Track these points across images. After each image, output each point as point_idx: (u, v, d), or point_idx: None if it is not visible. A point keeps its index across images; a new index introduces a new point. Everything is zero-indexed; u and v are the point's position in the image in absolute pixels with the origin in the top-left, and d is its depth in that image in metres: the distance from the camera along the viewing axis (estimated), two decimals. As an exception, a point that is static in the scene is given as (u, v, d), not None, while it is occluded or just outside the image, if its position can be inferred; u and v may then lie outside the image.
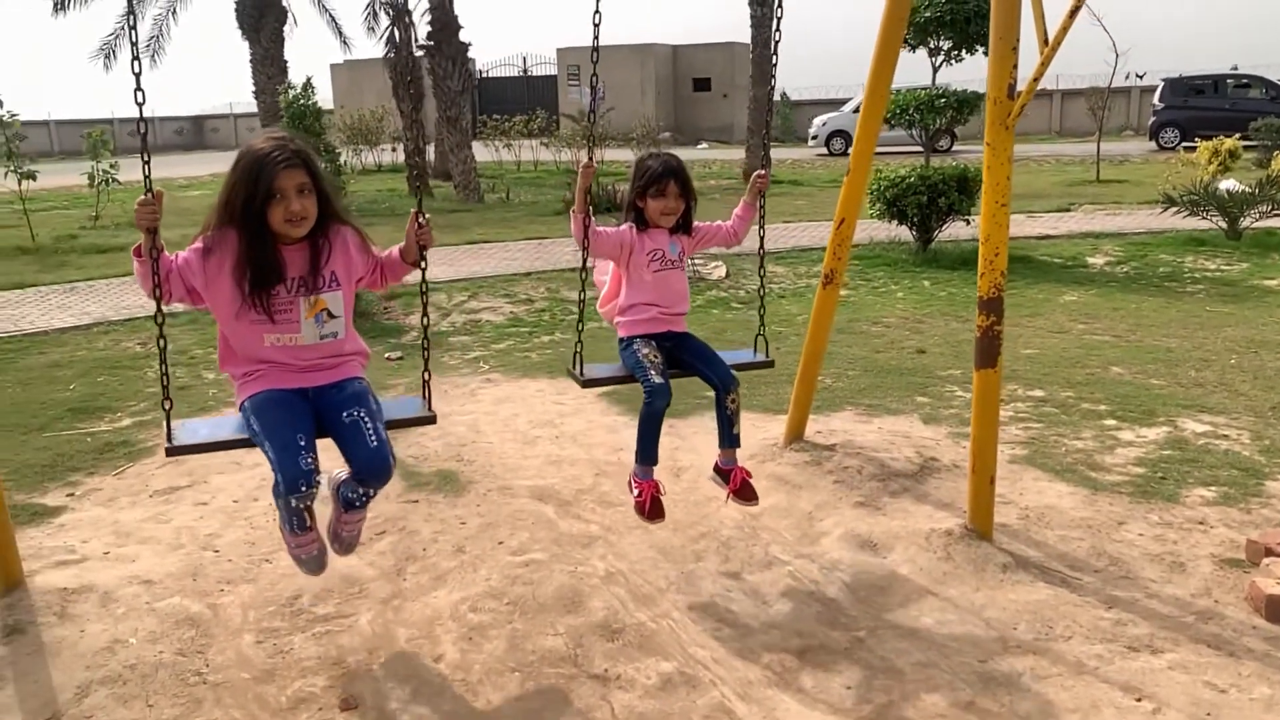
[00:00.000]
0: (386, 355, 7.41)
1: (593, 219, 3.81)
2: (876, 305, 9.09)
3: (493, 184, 20.88)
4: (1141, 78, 28.91)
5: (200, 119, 50.38)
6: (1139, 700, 3.11)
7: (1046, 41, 3.82)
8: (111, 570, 4.05)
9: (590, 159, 3.83)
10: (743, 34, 22.57)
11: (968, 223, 11.05)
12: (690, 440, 5.38)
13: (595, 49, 3.78)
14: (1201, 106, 28.20)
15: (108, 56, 22.42)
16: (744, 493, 3.97)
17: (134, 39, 3.13)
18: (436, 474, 5.06)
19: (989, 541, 4.11)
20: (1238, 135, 17.04)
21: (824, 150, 31.57)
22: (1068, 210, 15.60)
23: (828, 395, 6.16)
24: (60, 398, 6.58)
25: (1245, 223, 11.83)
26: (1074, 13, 3.71)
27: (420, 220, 3.30)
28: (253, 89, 21.85)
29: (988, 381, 4.08)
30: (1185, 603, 3.69)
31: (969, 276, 4.05)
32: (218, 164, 23.43)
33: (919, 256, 11.24)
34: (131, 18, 3.15)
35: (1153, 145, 29.01)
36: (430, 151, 22.54)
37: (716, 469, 4.06)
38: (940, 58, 13.23)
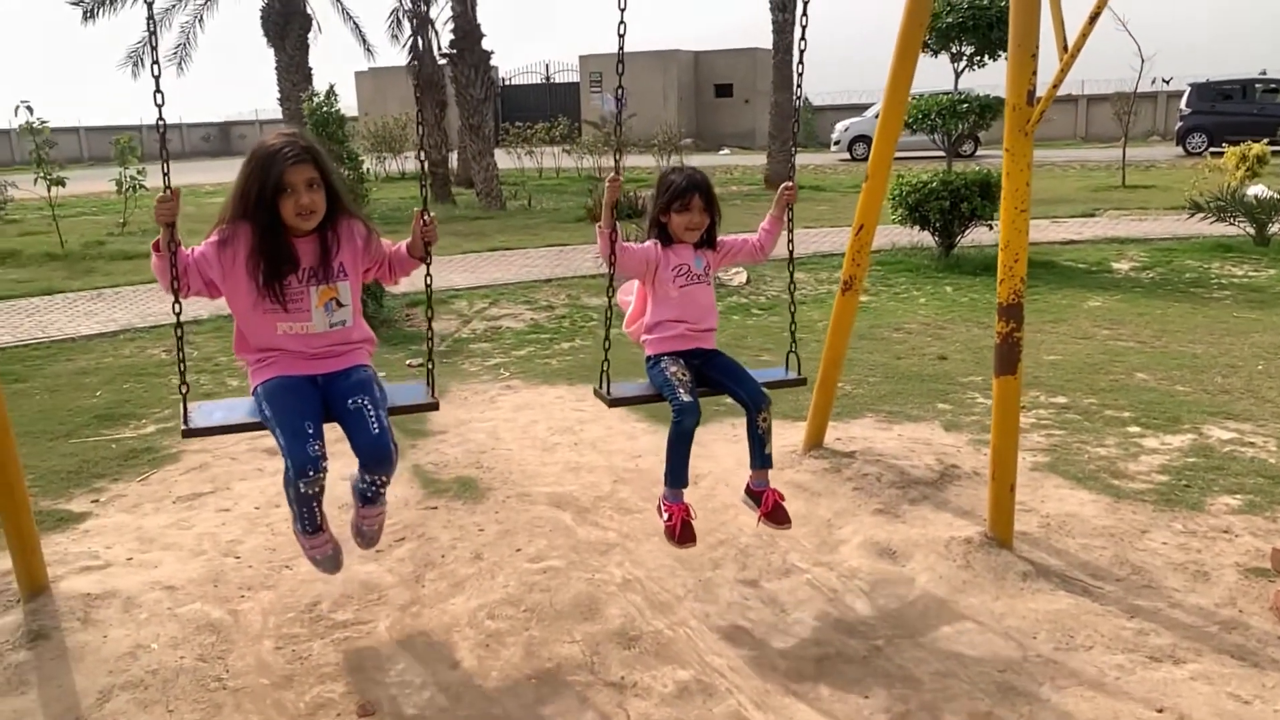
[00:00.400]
0: (408, 362, 7.45)
1: (620, 234, 3.75)
2: (898, 311, 9.05)
3: (515, 191, 20.98)
4: (1168, 82, 28.65)
5: (227, 125, 50.91)
6: (1160, 712, 3.08)
7: (1066, 48, 3.80)
8: (134, 576, 4.09)
9: (617, 172, 3.75)
10: (765, 39, 22.57)
11: (990, 228, 10.99)
12: (709, 447, 5.37)
13: (621, 60, 3.67)
14: (1229, 111, 27.96)
15: (135, 64, 22.66)
16: (776, 516, 3.82)
17: (153, 43, 3.26)
18: (456, 480, 5.09)
19: (1009, 550, 4.09)
20: (1266, 140, 16.85)
21: (846, 155, 31.54)
22: (1092, 215, 15.49)
23: (848, 402, 6.14)
24: (87, 404, 6.66)
25: (1273, 228, 11.70)
26: (1093, 19, 3.69)
27: (425, 218, 3.45)
28: (278, 96, 22.03)
29: (1008, 388, 4.05)
30: (1209, 613, 3.64)
31: (991, 282, 4.02)
32: (243, 172, 23.61)
33: (941, 262, 11.18)
34: (151, 22, 3.26)
35: (1180, 150, 28.79)
36: (453, 159, 22.67)
37: (748, 490, 3.92)
38: (963, 63, 13.20)
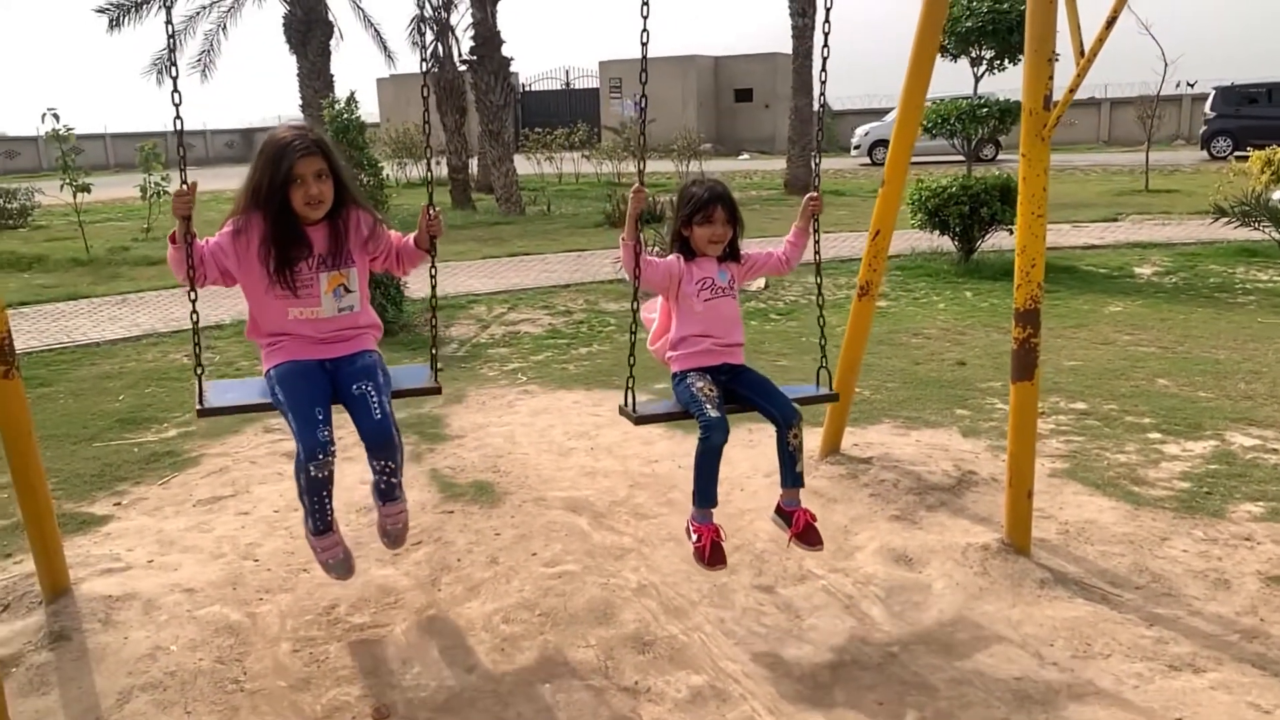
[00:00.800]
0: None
1: (644, 246, 3.69)
2: (917, 316, 9.01)
3: (534, 196, 21.04)
4: (1193, 86, 28.45)
5: (250, 131, 51.30)
6: (1179, 721, 3.05)
7: (1082, 53, 3.78)
8: (155, 578, 4.13)
9: (640, 183, 3.64)
10: (785, 44, 22.54)
11: (1010, 233, 10.90)
12: (726, 453, 5.35)
13: (644, 69, 3.61)
14: (1255, 115, 27.66)
15: (160, 71, 22.88)
16: (808, 537, 3.66)
17: (171, 46, 3.46)
18: (472, 485, 5.11)
19: (1026, 556, 4.06)
20: (1292, 144, 16.68)
21: (866, 160, 31.42)
22: (1114, 220, 15.37)
23: (866, 407, 6.12)
24: (110, 409, 6.73)
25: (1298, 233, 11.56)
26: (1110, 24, 3.67)
27: (430, 213, 3.61)
28: (299, 102, 22.20)
29: (1025, 394, 4.03)
30: (1230, 621, 3.61)
31: (1011, 287, 3.99)
32: (266, 177, 23.80)
33: (961, 267, 11.13)
34: (169, 27, 3.44)
35: (1204, 154, 28.50)
36: (473, 165, 22.75)
37: (779, 510, 3.78)
38: (982, 67, 13.15)
